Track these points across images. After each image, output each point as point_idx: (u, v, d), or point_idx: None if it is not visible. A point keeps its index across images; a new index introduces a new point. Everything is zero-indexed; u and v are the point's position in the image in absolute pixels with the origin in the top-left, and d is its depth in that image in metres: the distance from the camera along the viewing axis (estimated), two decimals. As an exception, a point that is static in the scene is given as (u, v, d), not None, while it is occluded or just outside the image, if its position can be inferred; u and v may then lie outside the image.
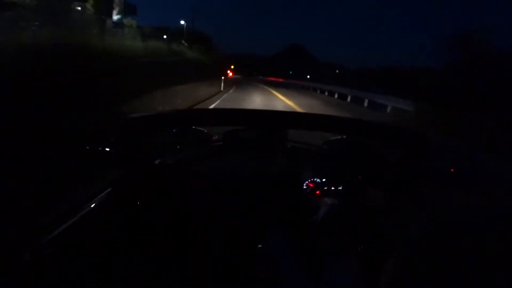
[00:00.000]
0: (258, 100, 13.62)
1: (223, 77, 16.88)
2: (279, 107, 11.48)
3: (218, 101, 11.27)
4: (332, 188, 1.10)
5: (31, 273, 0.61)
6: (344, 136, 1.40)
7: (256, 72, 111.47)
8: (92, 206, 0.81)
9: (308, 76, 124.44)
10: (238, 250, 0.99)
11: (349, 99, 15.36)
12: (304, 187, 1.15)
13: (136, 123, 0.93)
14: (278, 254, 0.87)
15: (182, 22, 28.15)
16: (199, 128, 1.43)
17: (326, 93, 20.46)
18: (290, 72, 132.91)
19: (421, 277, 0.49)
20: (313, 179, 1.16)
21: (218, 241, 1.02)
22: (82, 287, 0.72)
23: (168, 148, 1.26)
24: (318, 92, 22.20)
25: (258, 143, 1.23)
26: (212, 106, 9.62)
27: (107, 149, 0.95)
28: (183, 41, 21.43)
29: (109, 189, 0.90)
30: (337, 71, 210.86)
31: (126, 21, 15.23)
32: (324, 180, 1.14)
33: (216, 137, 1.40)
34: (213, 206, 1.09)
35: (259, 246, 0.89)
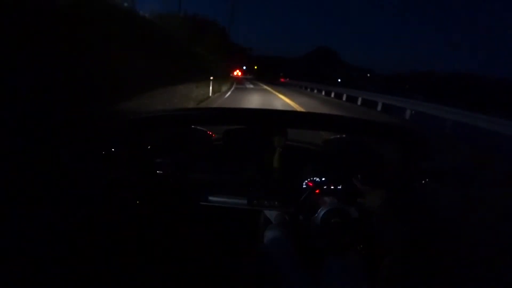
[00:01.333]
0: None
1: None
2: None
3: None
4: (332, 187, 1.06)
5: (30, 272, 0.62)
6: (344, 135, 1.33)
7: (282, 73, 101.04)
8: (91, 206, 0.82)
9: (339, 80, 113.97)
10: (238, 249, 1.01)
11: (407, 115, 10.19)
12: (304, 186, 1.14)
13: (136, 124, 0.94)
14: (278, 253, 0.88)
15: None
16: (199, 127, 1.35)
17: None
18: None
19: (416, 275, 0.51)
20: (313, 178, 1.15)
21: (218, 241, 1.08)
22: (81, 285, 0.73)
23: (168, 147, 1.23)
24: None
25: (258, 142, 1.22)
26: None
27: (108, 150, 0.93)
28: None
29: (109, 189, 0.91)
30: (368, 75, 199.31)
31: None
32: (323, 179, 1.13)
33: (216, 136, 1.37)
34: (212, 206, 1.10)
35: (259, 245, 0.92)
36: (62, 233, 0.71)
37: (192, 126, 1.27)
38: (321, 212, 0.87)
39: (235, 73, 56.55)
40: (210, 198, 1.11)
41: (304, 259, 0.87)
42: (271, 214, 1.17)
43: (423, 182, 0.88)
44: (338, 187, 1.03)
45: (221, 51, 29.31)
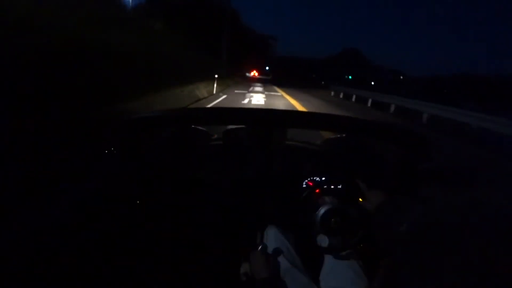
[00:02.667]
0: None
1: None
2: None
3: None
4: (332, 187, 1.07)
5: (30, 271, 0.62)
6: (344, 135, 1.32)
7: (315, 74, 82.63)
8: (90, 205, 0.83)
9: (373, 83, 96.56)
10: (237, 249, 1.00)
11: None
12: (304, 185, 1.12)
13: (137, 123, 0.95)
14: (278, 253, 0.89)
15: None
16: (198, 127, 1.33)
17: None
18: (350, 77, 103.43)
19: (415, 276, 0.52)
20: (313, 177, 1.13)
21: (218, 240, 1.04)
22: (79, 284, 0.74)
23: (168, 147, 1.21)
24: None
25: (258, 142, 1.20)
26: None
27: (107, 149, 0.94)
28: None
29: (108, 189, 0.92)
30: (401, 77, 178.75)
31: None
32: (323, 178, 1.11)
33: (216, 136, 1.35)
34: (212, 205, 1.11)
35: (259, 245, 0.89)
36: (61, 233, 0.70)
37: (192, 126, 1.26)
38: (321, 211, 0.87)
39: (251, 73, 47.47)
40: (210, 197, 1.10)
41: (304, 258, 0.87)
42: (271, 213, 1.12)
43: (422, 182, 0.87)
44: (338, 186, 1.05)
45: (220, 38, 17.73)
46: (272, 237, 0.95)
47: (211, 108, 3.38)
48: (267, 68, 77.54)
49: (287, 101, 11.24)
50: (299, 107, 9.65)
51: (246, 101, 10.12)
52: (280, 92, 15.43)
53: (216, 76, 11.22)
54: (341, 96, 15.08)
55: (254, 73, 50.29)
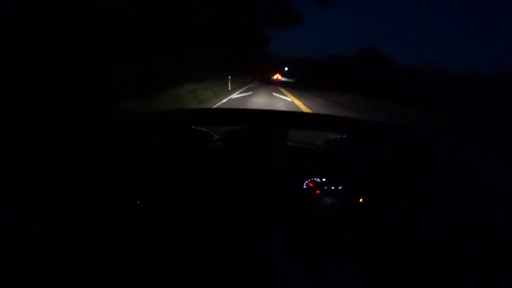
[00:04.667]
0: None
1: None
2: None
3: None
4: (332, 187, 1.10)
5: (29, 272, 0.64)
6: (344, 136, 1.34)
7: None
8: (90, 205, 0.84)
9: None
10: (238, 249, 1.02)
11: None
12: (304, 186, 1.15)
13: (138, 123, 0.94)
14: (278, 253, 0.89)
15: None
16: (199, 128, 1.36)
17: None
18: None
19: (416, 276, 0.52)
20: (313, 178, 1.15)
21: (218, 241, 1.06)
22: (79, 285, 0.75)
23: (168, 147, 1.22)
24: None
25: (259, 142, 1.20)
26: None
27: (106, 149, 0.95)
28: None
29: (107, 189, 0.92)
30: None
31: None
32: (324, 179, 1.13)
33: (217, 137, 1.37)
34: (213, 205, 1.12)
35: (259, 245, 0.91)
36: (59, 233, 0.71)
37: (193, 127, 1.27)
38: (322, 212, 0.86)
39: (274, 76, 45.83)
40: (210, 198, 1.11)
41: (304, 259, 0.88)
42: (271, 214, 1.11)
43: (423, 183, 0.88)
44: (339, 187, 1.07)
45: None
46: (272, 238, 0.95)
47: (211, 108, 2.94)
48: (286, 68, 69.43)
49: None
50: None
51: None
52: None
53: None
54: None
55: (277, 76, 46.62)
